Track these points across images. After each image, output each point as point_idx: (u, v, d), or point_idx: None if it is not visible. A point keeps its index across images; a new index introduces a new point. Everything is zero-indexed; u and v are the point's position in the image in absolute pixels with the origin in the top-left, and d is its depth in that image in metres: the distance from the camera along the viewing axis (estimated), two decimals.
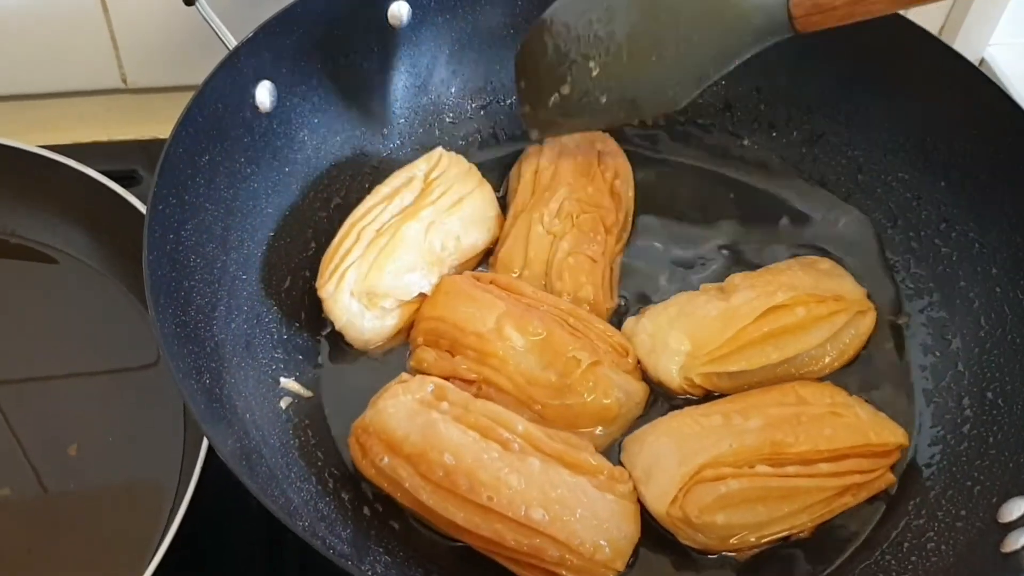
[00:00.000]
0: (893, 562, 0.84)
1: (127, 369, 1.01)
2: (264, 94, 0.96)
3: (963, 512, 0.85)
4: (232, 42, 0.95)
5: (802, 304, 0.93)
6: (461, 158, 1.04)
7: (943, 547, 0.83)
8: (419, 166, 1.02)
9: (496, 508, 0.79)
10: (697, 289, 0.99)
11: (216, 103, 0.91)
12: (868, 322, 0.97)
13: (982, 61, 1.33)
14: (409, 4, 1.05)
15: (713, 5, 0.87)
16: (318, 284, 0.95)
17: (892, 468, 0.89)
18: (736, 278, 0.97)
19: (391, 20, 1.05)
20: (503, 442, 0.83)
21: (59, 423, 0.97)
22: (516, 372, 0.90)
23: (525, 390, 0.89)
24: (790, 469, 0.84)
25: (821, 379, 0.94)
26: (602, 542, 0.80)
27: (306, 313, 0.97)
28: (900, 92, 1.04)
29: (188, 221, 0.88)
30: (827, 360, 0.94)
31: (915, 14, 1.31)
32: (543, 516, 0.79)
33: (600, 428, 0.90)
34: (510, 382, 0.90)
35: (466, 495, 0.80)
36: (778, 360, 0.92)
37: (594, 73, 0.95)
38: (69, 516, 0.91)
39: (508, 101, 1.14)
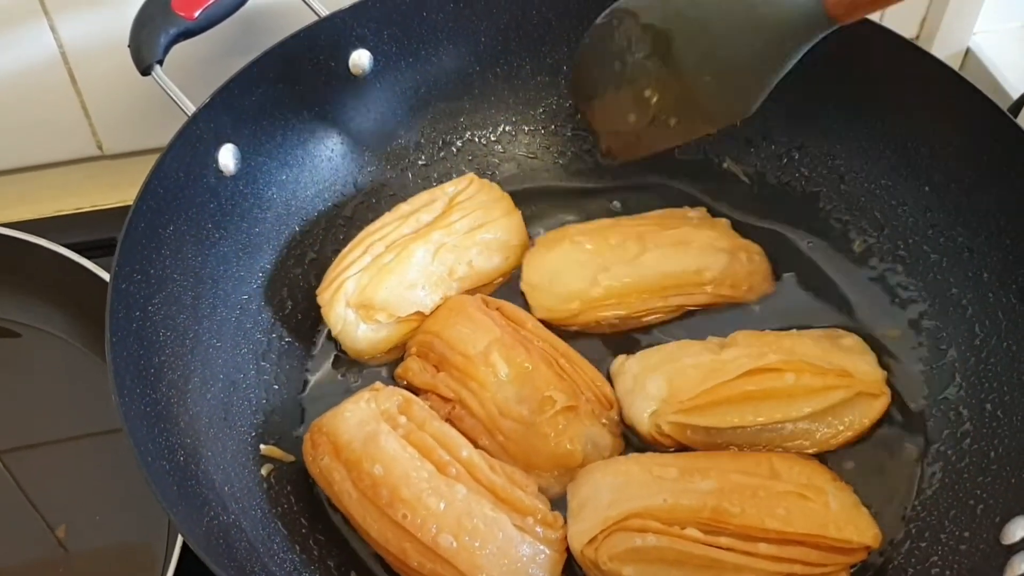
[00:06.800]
0: None
1: (108, 432, 1.00)
2: (228, 157, 0.96)
3: (967, 534, 0.82)
4: (191, 108, 0.94)
5: (794, 370, 0.87)
6: (494, 185, 1.04)
7: (947, 573, 0.81)
8: (446, 189, 1.03)
9: (408, 527, 0.79)
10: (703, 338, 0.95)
11: (177, 172, 0.91)
12: (878, 407, 0.89)
13: (968, 51, 1.30)
14: (370, 52, 1.03)
15: (744, 14, 0.83)
16: (319, 290, 0.97)
17: (861, 567, 0.83)
18: (740, 335, 0.93)
19: (353, 70, 1.03)
20: (440, 464, 0.83)
21: (44, 495, 0.96)
22: (491, 400, 0.89)
23: (495, 419, 0.89)
24: (723, 540, 0.78)
25: (817, 454, 0.88)
26: None
27: (285, 375, 0.96)
28: (876, 98, 1.01)
29: (155, 295, 0.87)
30: (819, 436, 0.88)
31: (896, 7, 1.29)
32: (451, 543, 0.79)
33: (559, 473, 0.87)
34: (483, 408, 0.89)
35: (384, 508, 0.80)
36: (755, 424, 0.87)
37: (653, 100, 0.92)
38: None
39: (484, 138, 1.13)
